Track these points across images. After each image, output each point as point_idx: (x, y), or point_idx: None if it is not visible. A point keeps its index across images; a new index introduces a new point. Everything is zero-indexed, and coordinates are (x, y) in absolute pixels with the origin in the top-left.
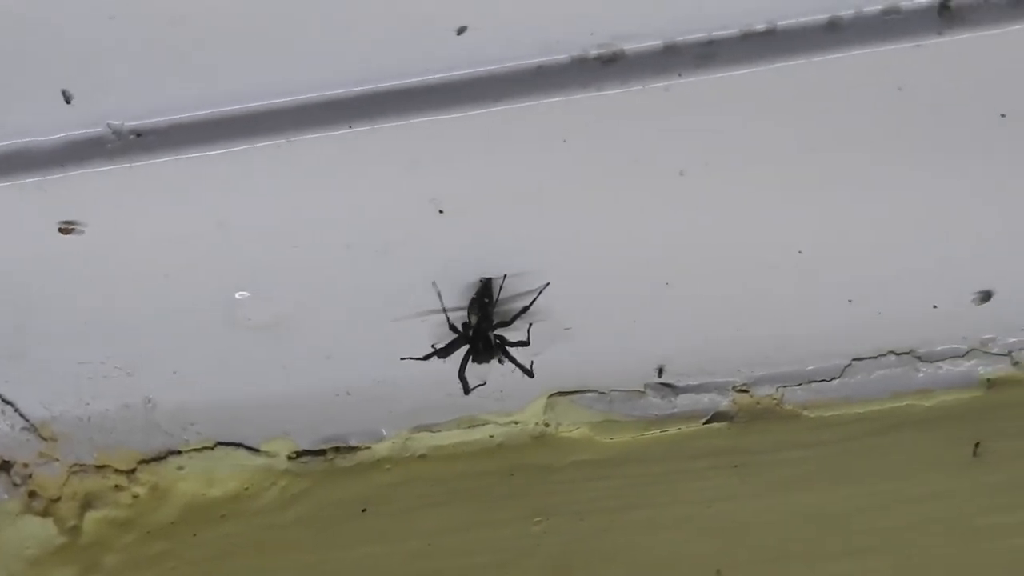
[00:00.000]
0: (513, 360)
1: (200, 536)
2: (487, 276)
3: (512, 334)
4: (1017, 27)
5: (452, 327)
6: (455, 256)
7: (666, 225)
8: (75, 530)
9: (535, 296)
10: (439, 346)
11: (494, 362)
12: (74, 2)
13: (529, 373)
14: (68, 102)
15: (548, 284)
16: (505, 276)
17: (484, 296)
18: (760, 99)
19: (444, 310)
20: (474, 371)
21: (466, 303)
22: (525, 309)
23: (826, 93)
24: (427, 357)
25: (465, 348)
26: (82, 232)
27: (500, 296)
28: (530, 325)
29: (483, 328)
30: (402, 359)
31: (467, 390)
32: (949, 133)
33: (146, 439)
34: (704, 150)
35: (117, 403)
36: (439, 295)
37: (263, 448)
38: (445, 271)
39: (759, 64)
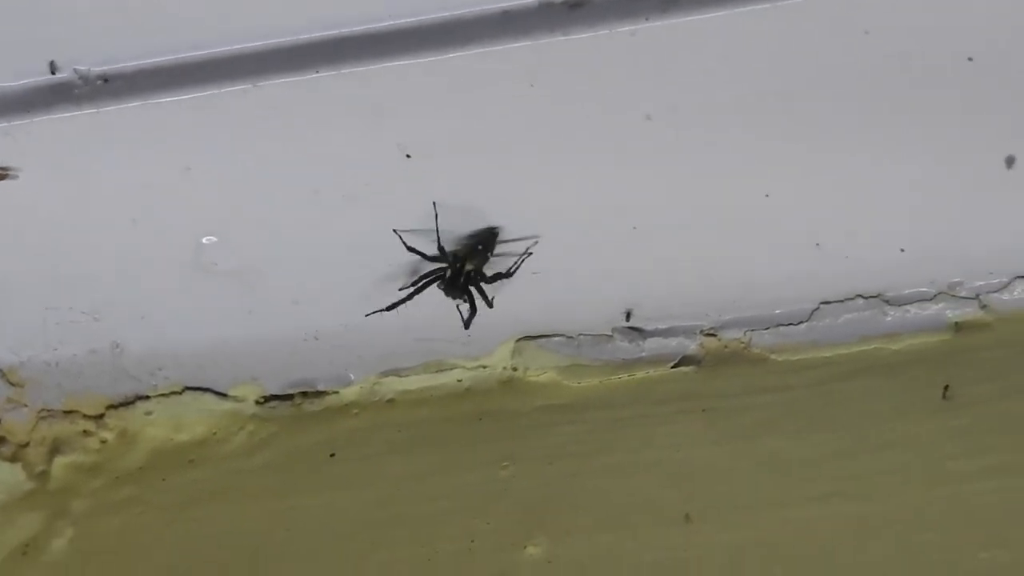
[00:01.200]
0: (481, 292)
1: (168, 481)
2: (495, 227)
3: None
4: None
5: (441, 248)
6: (422, 201)
7: (633, 169)
8: (43, 475)
9: (521, 259)
10: (407, 289)
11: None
12: None
13: (488, 303)
14: (53, 72)
15: (537, 242)
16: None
17: (482, 244)
18: (727, 44)
19: (437, 231)
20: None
21: (432, 247)
22: (509, 274)
23: (793, 38)
24: (392, 307)
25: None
26: (16, 178)
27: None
28: (521, 260)
29: (465, 265)
30: (367, 315)
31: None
32: (916, 77)
33: (114, 384)
34: (671, 95)
35: (85, 348)
36: (436, 217)
37: (231, 393)
38: (412, 216)
39: (725, 8)
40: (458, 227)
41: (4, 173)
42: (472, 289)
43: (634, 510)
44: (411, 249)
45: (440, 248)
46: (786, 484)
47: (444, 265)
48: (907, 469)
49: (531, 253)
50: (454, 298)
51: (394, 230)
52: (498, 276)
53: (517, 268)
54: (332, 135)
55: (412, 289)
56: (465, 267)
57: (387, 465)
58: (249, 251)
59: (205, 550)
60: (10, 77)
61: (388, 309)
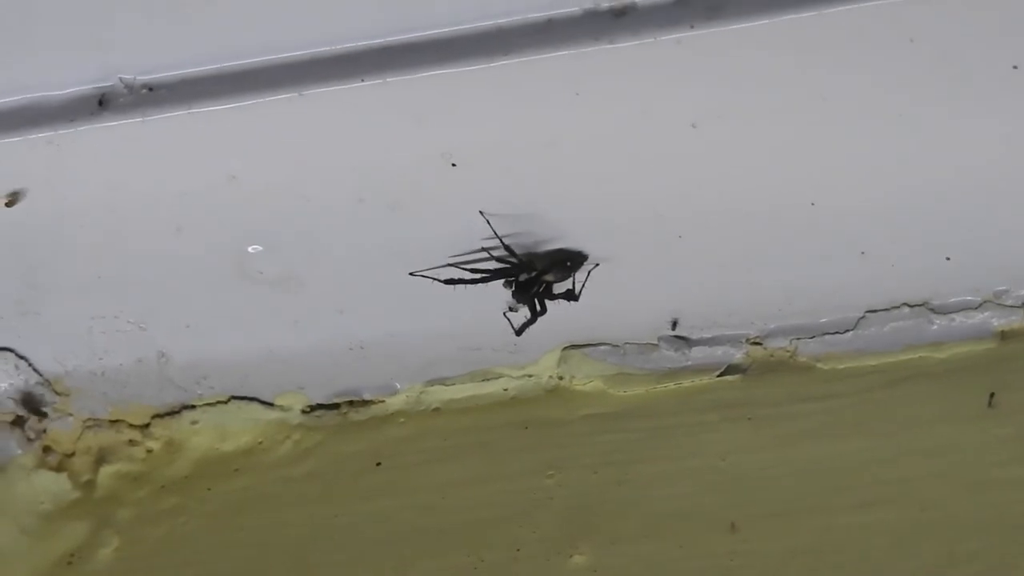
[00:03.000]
0: (542, 304)
1: (214, 490)
2: (586, 252)
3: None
4: None
5: (509, 249)
6: (467, 209)
7: (679, 177)
8: (89, 484)
9: (585, 281)
10: (481, 270)
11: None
12: None
13: (575, 297)
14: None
15: (597, 265)
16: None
17: (571, 261)
18: (772, 51)
19: (499, 236)
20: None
21: (479, 255)
22: (574, 296)
23: (838, 44)
24: (451, 281)
25: (500, 284)
26: (22, 200)
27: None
28: (585, 279)
29: (545, 275)
30: (411, 274)
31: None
32: (961, 84)
33: (159, 394)
34: (716, 102)
35: (130, 358)
36: (488, 223)
37: (277, 402)
38: (456, 224)
39: (771, 15)
40: (530, 237)
41: (12, 200)
42: (536, 299)
43: (679, 518)
44: (501, 242)
45: (511, 251)
46: (831, 491)
47: (509, 268)
48: (952, 476)
49: (580, 292)
50: (520, 302)
51: (480, 212)
52: (569, 294)
53: (582, 290)
54: (377, 143)
55: (479, 277)
56: (544, 277)
57: (433, 474)
58: (294, 260)
59: (250, 559)
60: (55, 86)
61: (447, 282)
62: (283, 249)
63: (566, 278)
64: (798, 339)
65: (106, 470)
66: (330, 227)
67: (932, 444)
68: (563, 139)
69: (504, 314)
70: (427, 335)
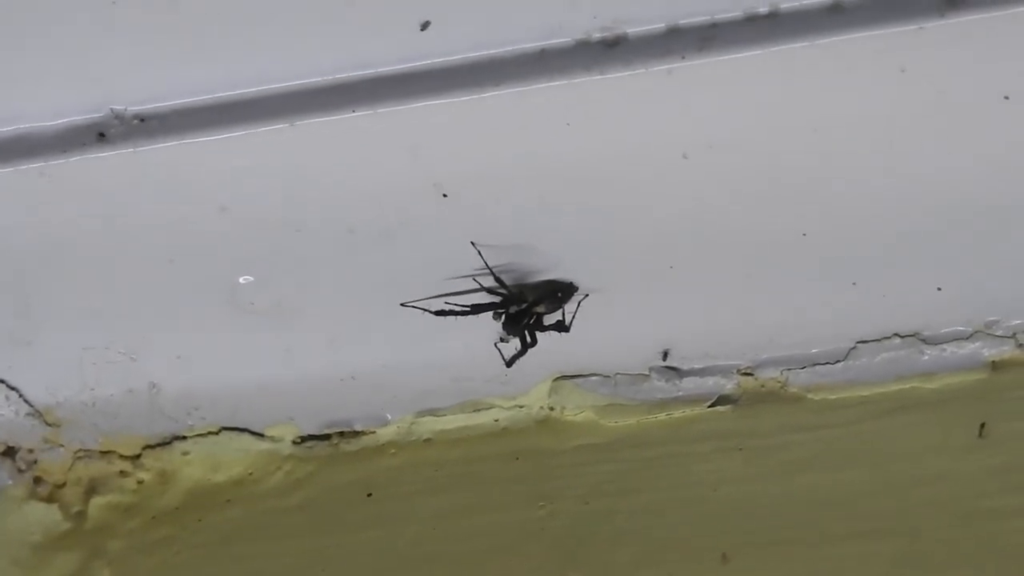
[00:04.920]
0: (533, 336)
1: (205, 521)
2: (575, 282)
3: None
4: (1019, 9)
5: (500, 280)
6: (458, 240)
7: (670, 208)
8: (80, 515)
9: (575, 312)
10: (471, 302)
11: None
12: None
13: (566, 328)
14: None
15: (588, 296)
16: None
17: (562, 292)
18: (763, 81)
19: (490, 267)
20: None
21: (469, 285)
22: (564, 327)
23: (829, 75)
24: (441, 312)
25: (490, 314)
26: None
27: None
28: (576, 310)
29: (536, 306)
30: (402, 304)
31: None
32: (952, 114)
33: (150, 424)
34: (707, 132)
35: (121, 388)
36: (480, 253)
37: (268, 433)
38: (448, 255)
39: (762, 47)
40: (521, 268)
41: None
42: (526, 331)
43: (671, 549)
44: (492, 273)
45: (502, 282)
46: (823, 522)
47: (500, 300)
48: (944, 506)
49: (570, 323)
50: (510, 334)
51: (472, 243)
52: (560, 325)
53: (572, 321)
54: (368, 174)
55: (469, 308)
56: (535, 308)
57: (424, 504)
58: (285, 290)
59: None
60: (46, 117)
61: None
62: (274, 280)
63: (556, 309)
64: (789, 370)
65: (97, 501)
66: (321, 258)
67: (923, 474)
68: (554, 170)
69: (495, 344)
70: (418, 366)
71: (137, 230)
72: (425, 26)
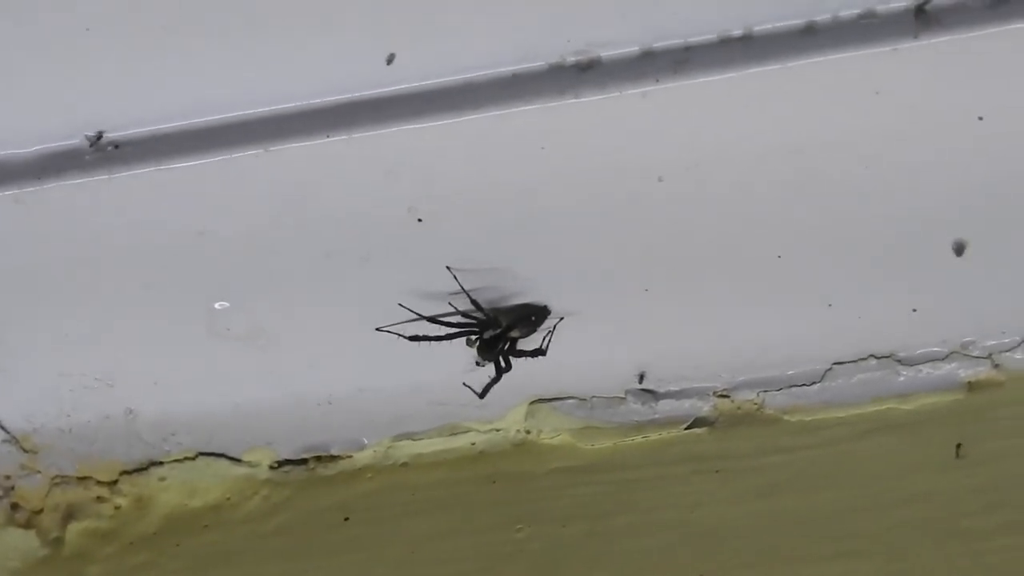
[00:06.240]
0: (507, 361)
1: (183, 546)
2: (547, 304)
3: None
4: (993, 30)
5: (476, 304)
6: (434, 264)
7: (645, 230)
8: (58, 542)
9: (551, 332)
10: (446, 328)
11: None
12: (51, 14)
13: (542, 352)
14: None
15: (562, 319)
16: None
17: (535, 316)
18: (737, 104)
19: (466, 291)
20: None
21: (444, 308)
22: (541, 352)
23: (803, 98)
24: (415, 338)
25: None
26: None
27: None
28: (551, 333)
29: (511, 331)
30: (377, 329)
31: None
32: (927, 135)
33: (128, 450)
34: (682, 155)
35: (98, 414)
36: (455, 278)
37: (245, 458)
38: (424, 278)
39: (736, 69)
40: (496, 291)
41: None
42: (501, 356)
43: (649, 570)
44: (468, 297)
45: (478, 306)
46: (800, 543)
47: (475, 324)
48: (921, 527)
49: (546, 347)
50: (485, 359)
51: (447, 267)
52: (536, 352)
53: (548, 345)
54: (343, 198)
55: (443, 334)
56: (510, 333)
57: (401, 528)
58: (262, 316)
59: None
60: (21, 143)
61: (411, 338)
62: (250, 305)
63: (531, 333)
64: (765, 391)
65: (75, 527)
66: (298, 282)
67: (900, 495)
68: (530, 193)
69: (464, 384)
70: (394, 390)
71: (113, 256)
72: (391, 59)
